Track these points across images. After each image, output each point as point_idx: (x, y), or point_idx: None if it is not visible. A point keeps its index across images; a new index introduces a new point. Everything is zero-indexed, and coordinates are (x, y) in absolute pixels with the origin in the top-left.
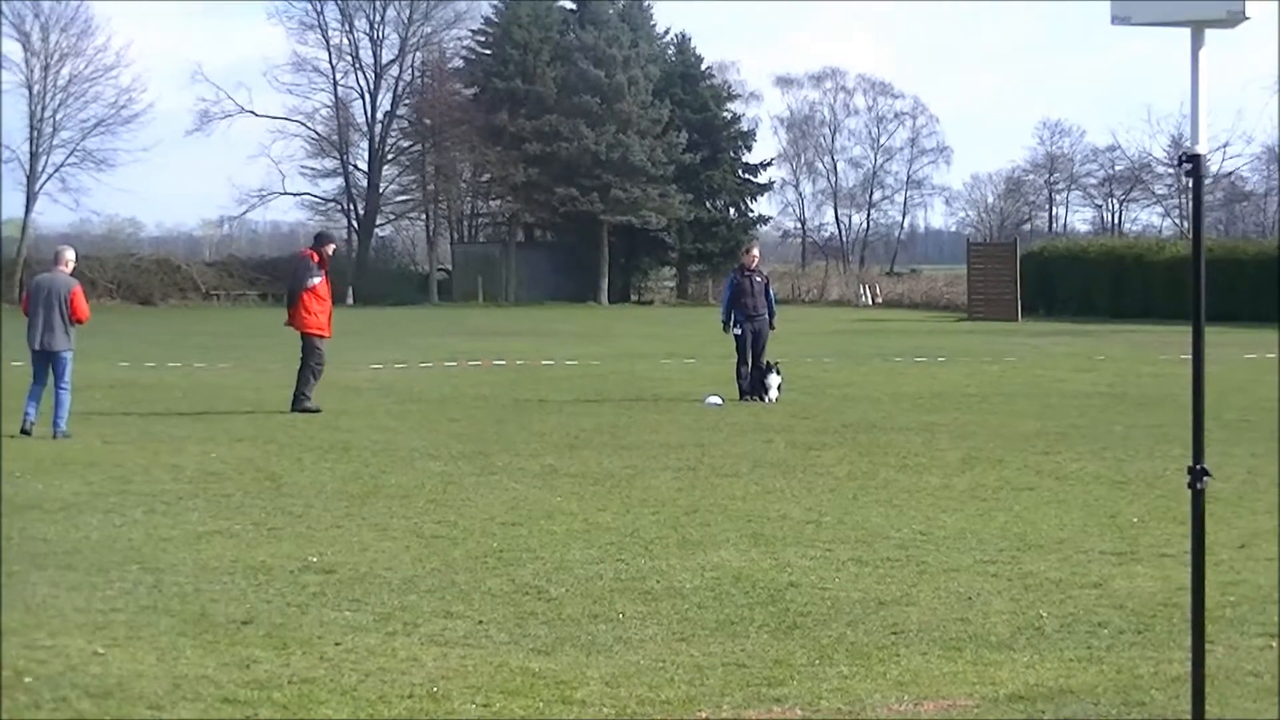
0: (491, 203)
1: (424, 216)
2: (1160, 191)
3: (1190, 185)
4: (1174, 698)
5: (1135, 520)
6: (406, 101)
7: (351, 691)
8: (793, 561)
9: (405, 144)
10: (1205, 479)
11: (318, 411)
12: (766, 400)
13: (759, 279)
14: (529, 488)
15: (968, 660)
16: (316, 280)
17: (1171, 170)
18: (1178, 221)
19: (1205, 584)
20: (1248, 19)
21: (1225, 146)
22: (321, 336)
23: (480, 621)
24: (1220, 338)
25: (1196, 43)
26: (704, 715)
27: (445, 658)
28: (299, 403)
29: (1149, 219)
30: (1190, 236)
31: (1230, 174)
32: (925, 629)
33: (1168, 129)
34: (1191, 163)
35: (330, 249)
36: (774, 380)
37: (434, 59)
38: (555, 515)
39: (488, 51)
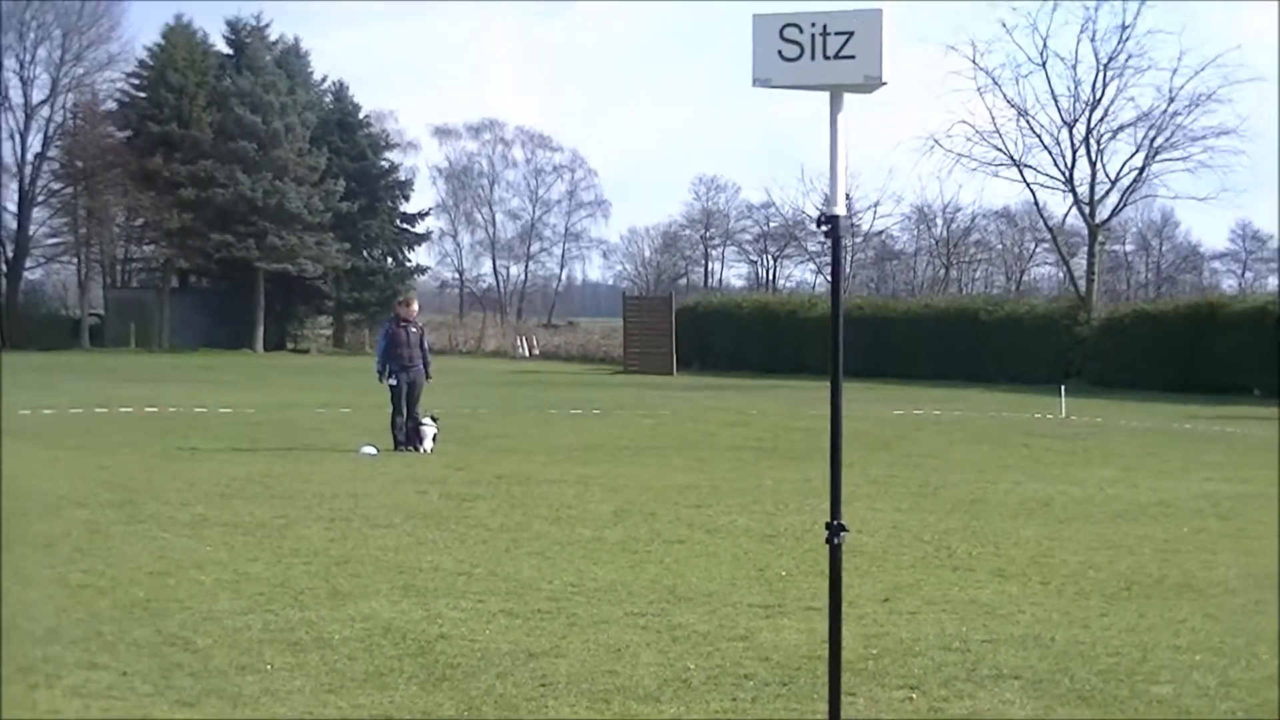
0: (145, 247)
1: (75, 260)
2: (813, 249)
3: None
4: None
5: (783, 573)
6: (58, 143)
7: None
8: (444, 613)
9: (56, 186)
10: (842, 534)
11: None
12: (421, 451)
13: (415, 329)
14: (178, 537)
15: (615, 712)
16: None
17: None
18: (829, 279)
19: (843, 636)
20: (885, 84)
21: (876, 205)
22: None
23: (125, 673)
24: (868, 394)
25: (835, 106)
26: None
27: (88, 710)
28: None
29: (803, 275)
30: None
31: (881, 233)
32: (574, 680)
33: (820, 187)
34: (830, 223)
35: None
36: (429, 431)
37: (86, 100)
38: (204, 565)
39: (142, 94)
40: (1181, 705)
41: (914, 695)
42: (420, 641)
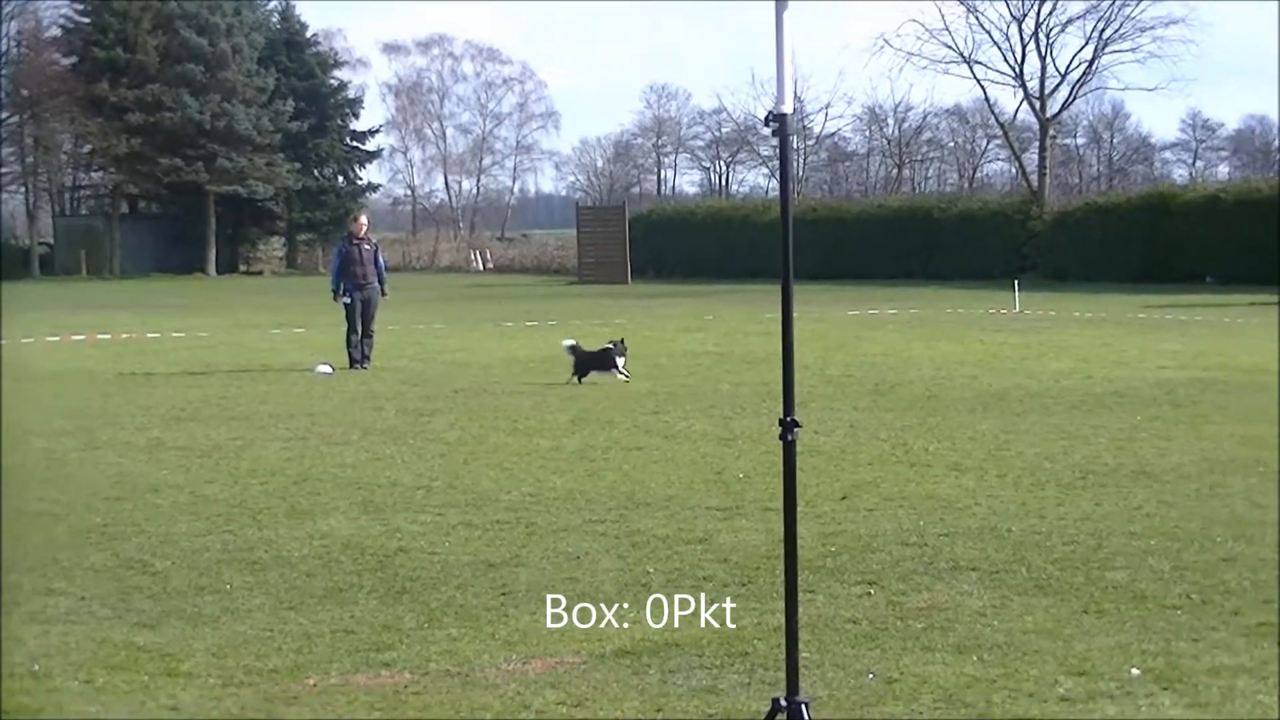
0: (94, 174)
1: (23, 189)
2: (766, 153)
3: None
4: (775, 647)
5: (741, 476)
6: (2, 72)
7: None
8: (402, 527)
9: (2, 116)
10: (796, 430)
11: None
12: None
13: (368, 247)
14: (134, 462)
15: (576, 618)
16: None
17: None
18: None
19: (801, 535)
20: None
21: (828, 108)
22: None
23: (83, 598)
24: (825, 296)
25: (781, 5)
26: (312, 682)
27: (47, 635)
28: None
29: (756, 180)
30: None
31: (833, 135)
32: (534, 589)
33: (771, 90)
34: (778, 121)
35: None
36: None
37: (30, 28)
38: (161, 489)
39: (86, 20)
40: (1136, 590)
41: (872, 590)
42: (379, 556)
